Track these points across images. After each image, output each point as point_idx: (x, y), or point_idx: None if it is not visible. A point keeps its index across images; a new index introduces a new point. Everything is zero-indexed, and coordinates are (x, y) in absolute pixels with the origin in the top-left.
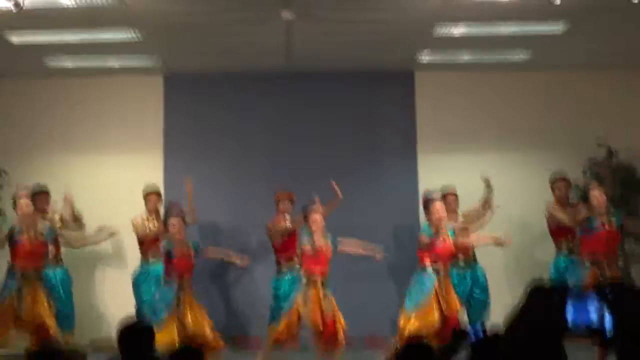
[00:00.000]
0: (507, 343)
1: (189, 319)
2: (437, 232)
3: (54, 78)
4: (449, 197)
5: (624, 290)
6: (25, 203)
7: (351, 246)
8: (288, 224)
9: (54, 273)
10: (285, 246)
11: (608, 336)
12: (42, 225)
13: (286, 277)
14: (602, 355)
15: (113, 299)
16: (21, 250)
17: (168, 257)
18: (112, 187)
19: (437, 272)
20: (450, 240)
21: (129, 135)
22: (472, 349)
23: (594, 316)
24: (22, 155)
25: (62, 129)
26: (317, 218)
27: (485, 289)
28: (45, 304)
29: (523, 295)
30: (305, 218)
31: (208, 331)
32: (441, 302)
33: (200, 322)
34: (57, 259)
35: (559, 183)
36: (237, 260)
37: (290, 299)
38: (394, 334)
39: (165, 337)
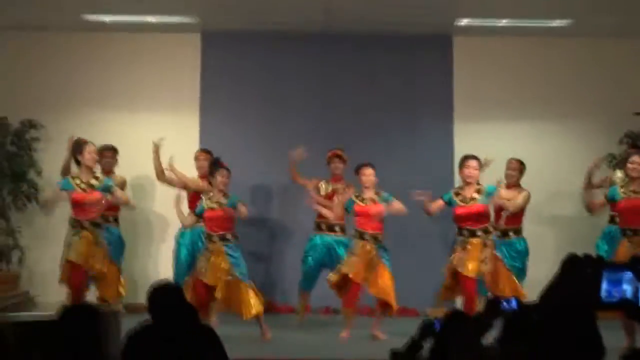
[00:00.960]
0: (540, 315)
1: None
2: None
3: (91, 33)
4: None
5: None
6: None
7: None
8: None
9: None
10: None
11: None
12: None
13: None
14: (631, 330)
15: (157, 264)
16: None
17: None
18: (147, 145)
19: None
20: None
21: (166, 93)
22: (505, 320)
23: (628, 289)
24: (59, 110)
25: (100, 85)
26: (367, 172)
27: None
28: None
29: (558, 268)
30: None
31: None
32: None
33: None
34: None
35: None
36: None
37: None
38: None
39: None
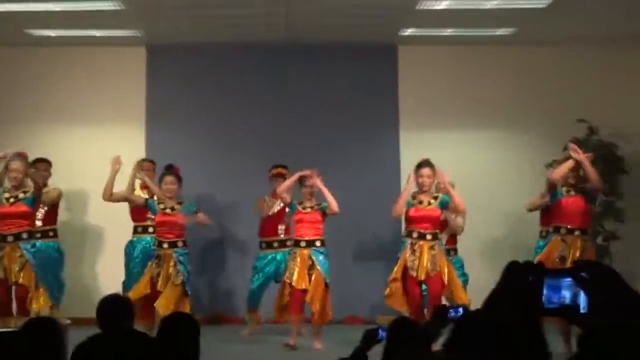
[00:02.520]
0: (486, 322)
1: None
2: None
3: (36, 48)
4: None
5: (598, 270)
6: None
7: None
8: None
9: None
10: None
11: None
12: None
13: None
14: (567, 336)
15: (101, 276)
16: None
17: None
18: (94, 159)
19: None
20: None
21: (112, 107)
22: (453, 327)
23: (567, 294)
24: (4, 124)
25: (44, 100)
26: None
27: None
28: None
29: (500, 274)
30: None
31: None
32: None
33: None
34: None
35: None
36: None
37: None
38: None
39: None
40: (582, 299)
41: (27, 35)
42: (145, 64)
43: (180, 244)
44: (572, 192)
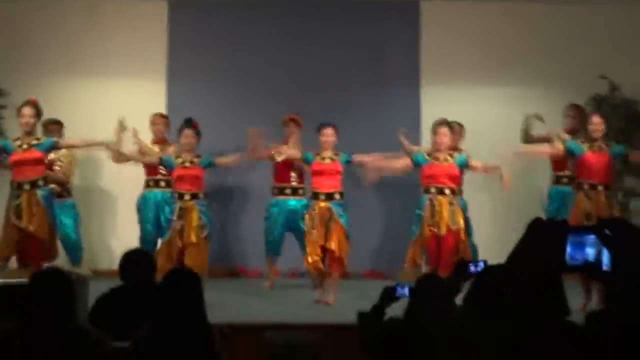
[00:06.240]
0: (507, 279)
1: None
2: None
3: (58, 0)
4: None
5: (623, 227)
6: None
7: (364, 159)
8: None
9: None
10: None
11: (604, 271)
12: None
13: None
14: (589, 290)
15: (117, 231)
16: None
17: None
18: (114, 112)
19: None
20: None
21: (133, 61)
22: (474, 281)
23: (591, 251)
24: (25, 76)
25: (66, 52)
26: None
27: None
28: None
29: (523, 231)
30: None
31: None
32: None
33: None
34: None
35: (568, 111)
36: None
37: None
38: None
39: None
40: (605, 256)
41: None
42: (167, 19)
43: (201, 195)
44: (595, 147)
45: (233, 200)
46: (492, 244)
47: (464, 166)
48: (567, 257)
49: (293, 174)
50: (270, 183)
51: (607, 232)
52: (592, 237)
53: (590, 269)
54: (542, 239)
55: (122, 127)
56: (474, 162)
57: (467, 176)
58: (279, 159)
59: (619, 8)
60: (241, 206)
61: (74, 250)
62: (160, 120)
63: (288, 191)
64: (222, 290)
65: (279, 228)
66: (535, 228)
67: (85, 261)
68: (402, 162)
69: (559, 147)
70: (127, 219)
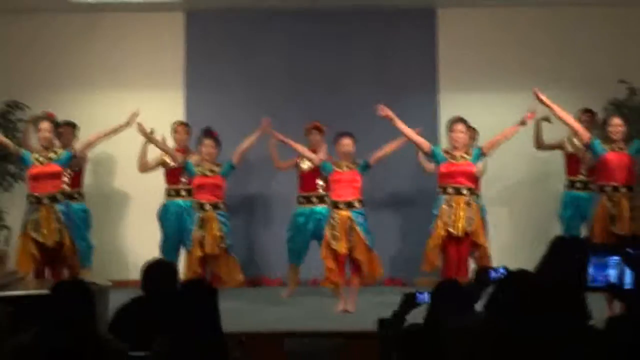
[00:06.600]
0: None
1: (208, 247)
2: None
3: (75, 13)
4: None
5: None
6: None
7: (380, 153)
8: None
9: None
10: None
11: (626, 289)
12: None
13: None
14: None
15: (135, 240)
16: None
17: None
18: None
19: None
20: None
21: (150, 72)
22: (495, 287)
23: (613, 272)
24: (44, 90)
25: (84, 65)
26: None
27: None
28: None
29: (545, 249)
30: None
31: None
32: None
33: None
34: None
35: (581, 115)
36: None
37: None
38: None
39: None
40: (628, 275)
41: (68, 2)
42: (183, 29)
43: (221, 205)
44: (615, 148)
45: (256, 210)
46: (509, 251)
47: (481, 155)
48: (589, 278)
49: (320, 182)
50: (293, 193)
51: (630, 250)
52: (614, 259)
53: (612, 290)
54: (564, 260)
55: (134, 117)
56: (486, 143)
57: (484, 186)
58: (304, 165)
59: (637, 12)
60: (263, 215)
61: (82, 253)
62: (181, 129)
63: (314, 199)
64: (243, 299)
65: (305, 237)
66: (558, 248)
67: (99, 270)
68: (424, 140)
69: (586, 134)
70: (145, 227)
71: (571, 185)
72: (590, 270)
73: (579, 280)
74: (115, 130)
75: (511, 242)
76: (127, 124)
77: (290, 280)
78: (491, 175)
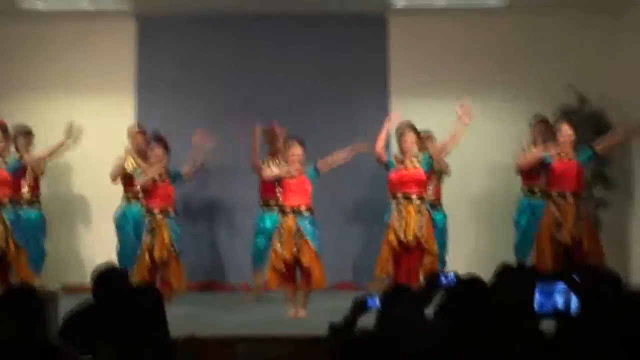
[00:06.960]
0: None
1: (157, 253)
2: None
3: (26, 20)
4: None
5: (592, 274)
6: None
7: (330, 160)
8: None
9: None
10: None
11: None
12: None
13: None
14: None
15: (92, 245)
16: None
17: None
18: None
19: None
20: None
21: (101, 79)
22: (444, 293)
23: (560, 300)
24: None
25: (34, 72)
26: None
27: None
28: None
29: (492, 276)
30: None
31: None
32: None
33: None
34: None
35: (536, 124)
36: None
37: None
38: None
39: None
40: (574, 302)
41: (17, 8)
42: (134, 34)
43: (171, 210)
44: (563, 156)
45: (210, 214)
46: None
47: (432, 162)
48: (537, 305)
49: (278, 189)
50: (254, 197)
51: (575, 278)
52: (561, 285)
53: (559, 318)
54: (510, 288)
55: (70, 131)
56: (437, 145)
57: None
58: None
59: (587, 19)
60: (218, 220)
61: (34, 260)
62: (140, 137)
63: (274, 205)
64: (197, 304)
65: (266, 240)
66: (503, 276)
67: (54, 275)
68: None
69: (539, 155)
70: (103, 232)
71: (529, 192)
72: (537, 296)
73: (527, 309)
74: (61, 146)
75: (476, 250)
76: (69, 138)
77: (256, 284)
78: (455, 183)
